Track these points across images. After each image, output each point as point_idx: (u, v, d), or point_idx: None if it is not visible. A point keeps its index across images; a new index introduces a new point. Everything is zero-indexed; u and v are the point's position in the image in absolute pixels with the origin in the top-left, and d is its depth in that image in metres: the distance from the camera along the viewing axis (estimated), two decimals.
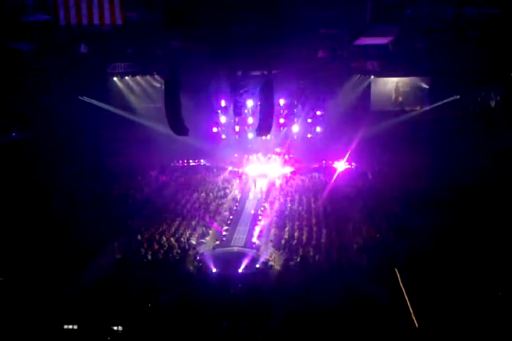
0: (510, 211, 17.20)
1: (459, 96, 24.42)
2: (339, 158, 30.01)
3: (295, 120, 30.48)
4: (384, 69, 24.04)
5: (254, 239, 20.95)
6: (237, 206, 25.20)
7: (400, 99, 26.26)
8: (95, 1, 12.07)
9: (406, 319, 13.60)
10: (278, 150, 31.70)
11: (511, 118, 20.11)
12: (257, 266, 18.27)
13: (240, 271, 17.81)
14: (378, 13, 13.32)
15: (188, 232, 21.03)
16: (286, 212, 23.34)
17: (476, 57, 18.83)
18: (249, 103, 28.30)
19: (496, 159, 19.50)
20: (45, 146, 22.54)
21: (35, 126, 23.01)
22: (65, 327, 13.62)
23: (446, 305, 13.66)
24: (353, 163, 30.08)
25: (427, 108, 25.68)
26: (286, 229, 21.19)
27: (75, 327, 13.66)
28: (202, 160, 31.69)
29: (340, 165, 29.91)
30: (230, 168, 30.84)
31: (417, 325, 13.39)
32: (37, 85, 22.91)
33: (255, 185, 28.56)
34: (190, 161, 31.66)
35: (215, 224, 22.37)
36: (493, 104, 21.91)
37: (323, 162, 30.73)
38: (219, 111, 30.56)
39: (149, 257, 18.69)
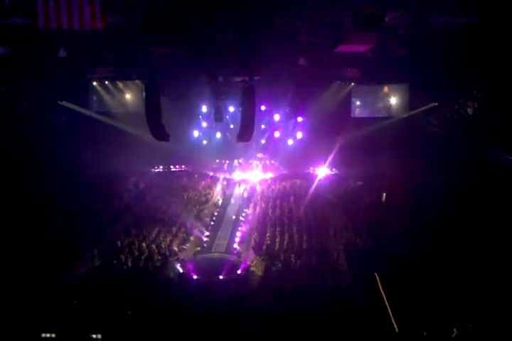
0: (490, 220, 17.45)
1: (437, 104, 24.74)
2: (320, 164, 30.18)
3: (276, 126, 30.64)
4: (364, 76, 24.25)
5: (236, 245, 20.92)
6: (218, 212, 25.14)
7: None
8: (75, 4, 11.94)
9: (386, 324, 13.67)
10: (259, 156, 31.76)
11: (489, 126, 20.42)
12: (239, 272, 18.22)
13: (221, 277, 17.71)
14: (358, 21, 13.47)
15: (168, 239, 20.89)
16: (268, 218, 23.35)
17: (453, 64, 19.13)
18: (231, 109, 28.31)
19: (476, 169, 19.78)
20: (23, 152, 22.18)
21: (13, 132, 22.62)
22: (43, 335, 13.36)
23: (426, 310, 13.78)
24: (333, 169, 30.28)
25: (405, 115, 25.96)
26: (268, 234, 21.20)
27: (53, 335, 13.40)
28: (183, 166, 31.53)
29: (322, 171, 30.08)
30: (211, 174, 30.78)
31: (397, 330, 13.47)
32: (15, 90, 22.56)
33: (238, 190, 28.59)
34: (171, 167, 31.50)
35: (196, 230, 22.26)
36: (470, 111, 22.23)
37: (311, 169, 30.79)
38: (200, 117, 30.51)
39: (129, 264, 18.49)
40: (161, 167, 31.42)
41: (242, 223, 23.30)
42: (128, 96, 26.65)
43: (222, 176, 30.47)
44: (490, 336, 12.32)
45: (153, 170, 31.15)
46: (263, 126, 30.39)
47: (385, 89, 26.27)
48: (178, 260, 19.12)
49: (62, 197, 22.18)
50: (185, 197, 26.69)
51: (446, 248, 17.36)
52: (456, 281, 15.00)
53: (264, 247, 19.97)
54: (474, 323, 12.90)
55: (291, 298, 15.03)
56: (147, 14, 13.39)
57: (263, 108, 29.30)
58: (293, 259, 18.67)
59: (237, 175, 30.53)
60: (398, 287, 15.31)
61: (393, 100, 26.25)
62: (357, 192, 26.05)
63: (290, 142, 30.77)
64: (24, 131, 22.88)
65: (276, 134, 30.72)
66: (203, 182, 29.36)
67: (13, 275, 15.68)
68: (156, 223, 22.55)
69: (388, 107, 26.77)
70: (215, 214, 24.79)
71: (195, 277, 17.72)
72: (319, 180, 28.97)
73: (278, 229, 21.74)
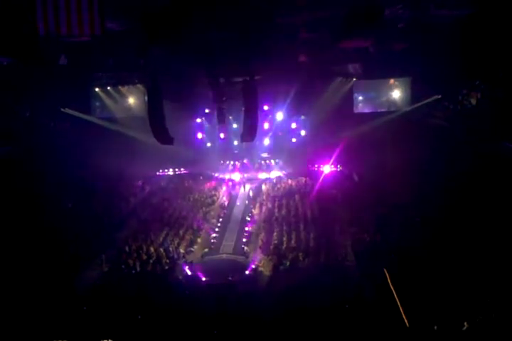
0: (496, 211, 17.33)
1: (440, 96, 24.60)
2: (325, 161, 30.12)
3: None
4: (365, 71, 24.17)
5: (243, 246, 20.88)
6: (224, 213, 25.13)
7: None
8: (74, 11, 11.98)
9: (396, 318, 13.62)
10: (264, 155, 31.74)
11: (492, 115, 20.29)
12: (247, 272, 18.19)
13: (229, 278, 17.68)
14: (358, 17, 13.44)
15: (176, 241, 20.90)
16: (274, 217, 23.30)
17: (455, 56, 19.05)
18: (233, 109, 28.32)
19: (480, 160, 19.66)
20: (28, 160, 22.27)
21: (18, 140, 22.72)
22: None
23: (436, 304, 13.72)
24: (339, 166, 30.21)
25: (408, 109, 25.85)
26: (275, 234, 21.16)
27: None
28: (188, 168, 31.55)
29: (326, 168, 30.03)
30: (216, 175, 30.79)
31: (407, 324, 13.41)
32: (18, 98, 22.67)
33: (244, 190, 28.63)
34: (176, 170, 31.54)
35: (204, 232, 22.27)
36: (473, 101, 22.10)
37: (316, 166, 30.77)
38: (203, 119, 30.55)
39: (138, 268, 18.53)
40: (166, 170, 31.43)
41: (248, 223, 23.27)
42: (131, 100, 26.75)
43: (227, 177, 30.47)
44: (501, 329, 12.24)
45: (158, 173, 31.20)
46: (266, 126, 30.35)
47: (392, 81, 26.18)
48: (186, 262, 19.11)
49: (67, 203, 22.24)
50: (192, 199, 26.72)
51: (455, 241, 17.23)
52: (466, 274, 14.91)
53: (271, 247, 19.93)
54: (485, 316, 12.83)
55: (300, 297, 14.97)
56: (146, 15, 13.41)
57: (266, 108, 29.30)
58: (301, 258, 18.62)
59: (242, 175, 30.49)
60: (407, 281, 15.24)
61: (397, 94, 26.20)
62: (362, 187, 25.95)
63: (294, 140, 30.74)
64: (27, 138, 22.99)
65: (280, 133, 30.71)
66: (208, 184, 29.40)
67: (24, 282, 15.76)
68: (163, 226, 22.56)
69: (392, 101, 26.69)
70: (222, 215, 24.77)
71: (203, 279, 17.71)
72: (324, 177, 28.94)
73: (285, 228, 21.71)
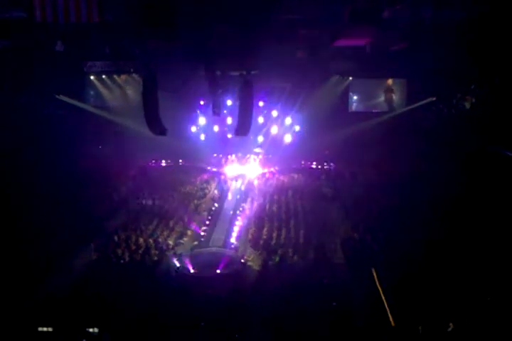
0: (487, 214, 17.47)
1: (435, 98, 24.72)
2: (318, 158, 30.19)
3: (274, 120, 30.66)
4: (362, 70, 24.24)
5: (233, 240, 20.89)
6: (215, 206, 25.10)
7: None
8: None
9: (382, 318, 13.73)
10: (257, 150, 31.72)
11: (486, 120, 20.42)
12: (236, 266, 18.22)
13: (218, 271, 17.72)
14: (356, 15, 13.45)
15: (166, 233, 20.87)
16: (265, 213, 23.33)
17: (452, 59, 19.12)
18: (228, 103, 28.30)
19: (472, 162, 19.79)
20: (20, 147, 22.10)
21: (10, 126, 22.53)
22: (40, 329, 13.38)
23: (422, 304, 13.84)
24: (331, 163, 30.30)
25: (401, 110, 25.98)
26: (265, 229, 21.19)
27: (50, 329, 13.43)
28: (180, 160, 31.51)
29: (318, 165, 30.09)
30: (208, 168, 30.75)
31: (393, 324, 13.53)
32: (12, 84, 22.48)
33: (236, 184, 28.61)
34: (169, 161, 31.49)
35: (194, 225, 22.25)
36: (468, 105, 22.22)
37: (302, 162, 30.90)
38: (197, 111, 30.45)
39: (126, 258, 18.49)
40: (159, 161, 31.37)
41: (239, 217, 23.27)
42: (126, 89, 26.64)
43: (220, 170, 30.44)
44: (486, 331, 12.38)
45: (151, 164, 31.11)
46: (261, 120, 30.36)
47: (387, 82, 26.30)
48: (175, 254, 19.10)
49: (58, 190, 22.09)
50: (183, 191, 26.68)
51: (444, 241, 17.37)
52: (453, 275, 15.05)
53: (261, 242, 19.96)
54: (470, 318, 12.96)
55: (287, 292, 15.05)
56: (143, 7, 13.32)
57: (261, 104, 29.29)
58: (290, 254, 18.68)
59: (234, 169, 30.47)
60: (395, 281, 15.35)
61: (392, 95, 26.32)
62: (353, 186, 26.07)
63: (288, 136, 30.75)
64: (21, 125, 22.81)
65: (274, 129, 30.70)
66: (200, 177, 29.34)
67: (9, 269, 15.68)
68: (154, 217, 22.52)
69: (387, 102, 26.81)
70: (213, 208, 24.74)
71: (192, 271, 17.72)
72: (316, 174, 29.01)
73: (275, 223, 21.74)
